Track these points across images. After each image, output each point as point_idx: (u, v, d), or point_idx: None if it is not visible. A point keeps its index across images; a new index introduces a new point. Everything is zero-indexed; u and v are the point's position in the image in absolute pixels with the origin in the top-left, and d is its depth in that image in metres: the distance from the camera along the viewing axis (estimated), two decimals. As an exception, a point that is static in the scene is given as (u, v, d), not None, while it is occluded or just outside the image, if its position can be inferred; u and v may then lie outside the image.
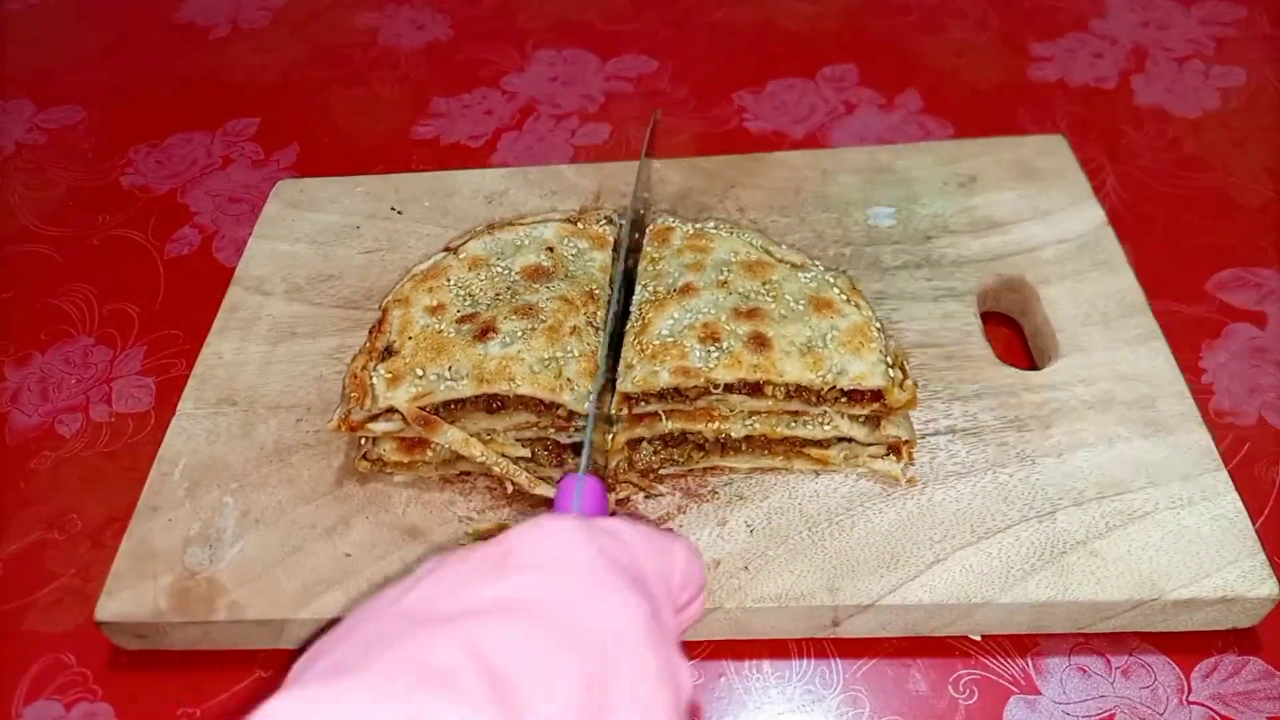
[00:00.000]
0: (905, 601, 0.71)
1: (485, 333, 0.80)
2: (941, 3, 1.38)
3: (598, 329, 0.81)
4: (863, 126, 1.20)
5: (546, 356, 0.77)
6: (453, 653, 0.42)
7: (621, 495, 0.79)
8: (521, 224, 0.92)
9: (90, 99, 1.35)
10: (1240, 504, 0.74)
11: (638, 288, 0.85)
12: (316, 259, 1.00)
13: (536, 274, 0.86)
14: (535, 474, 0.80)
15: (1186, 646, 0.72)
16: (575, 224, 0.92)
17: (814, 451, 0.78)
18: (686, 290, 0.83)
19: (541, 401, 0.76)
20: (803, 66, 1.29)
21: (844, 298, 0.82)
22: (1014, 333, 0.93)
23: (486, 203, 1.04)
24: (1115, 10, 1.33)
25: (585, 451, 0.66)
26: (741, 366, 0.76)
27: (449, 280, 0.86)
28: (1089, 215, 0.95)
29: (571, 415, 0.77)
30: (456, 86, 1.32)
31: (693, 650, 0.75)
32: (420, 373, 0.77)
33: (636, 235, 0.90)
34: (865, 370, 0.76)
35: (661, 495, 0.79)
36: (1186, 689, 0.70)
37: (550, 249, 0.89)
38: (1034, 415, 0.81)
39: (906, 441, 0.77)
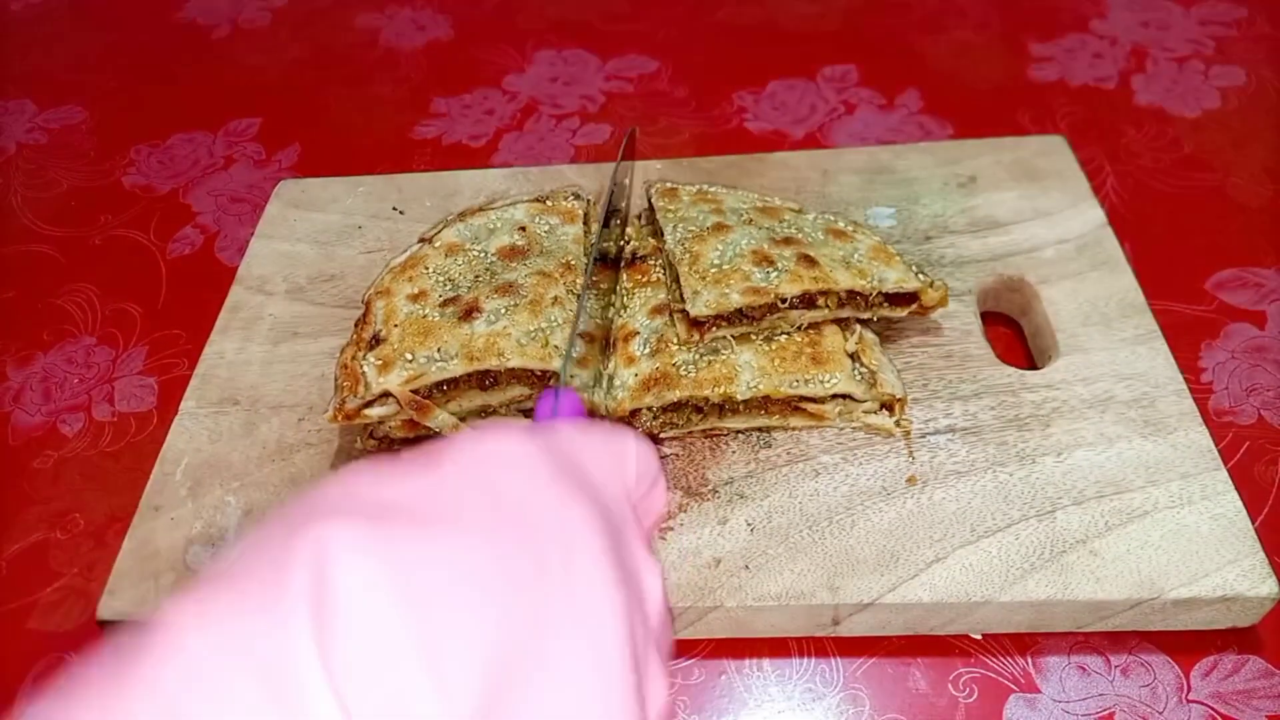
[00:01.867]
0: (905, 600, 0.71)
1: (470, 313, 0.81)
2: (942, 3, 1.38)
3: (579, 296, 0.83)
4: (863, 126, 1.20)
5: (532, 329, 0.79)
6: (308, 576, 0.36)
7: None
8: (492, 208, 0.94)
9: (91, 99, 1.35)
10: (1240, 503, 0.74)
11: (667, 230, 0.89)
12: (319, 259, 1.00)
13: (512, 253, 0.88)
14: None
15: (1186, 645, 0.72)
16: (544, 202, 0.94)
17: (811, 407, 0.81)
18: (719, 228, 0.87)
19: (533, 373, 0.78)
20: (803, 66, 1.29)
21: (851, 229, 0.89)
22: (1014, 332, 0.93)
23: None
24: (1115, 10, 1.34)
25: (563, 368, 0.65)
26: (803, 280, 0.81)
27: (428, 268, 0.87)
28: (1089, 215, 0.96)
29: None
30: (457, 86, 1.32)
31: (693, 649, 0.75)
32: (410, 357, 0.78)
33: (612, 226, 0.91)
34: (901, 276, 0.83)
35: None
36: (1186, 688, 0.70)
37: (523, 228, 0.91)
38: (1034, 414, 0.81)
39: (900, 399, 0.80)
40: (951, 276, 0.92)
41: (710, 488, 0.79)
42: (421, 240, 0.91)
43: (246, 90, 1.35)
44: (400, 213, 1.04)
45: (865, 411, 0.81)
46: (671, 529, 0.76)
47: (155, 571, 0.77)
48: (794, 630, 0.75)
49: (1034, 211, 0.97)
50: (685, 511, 0.77)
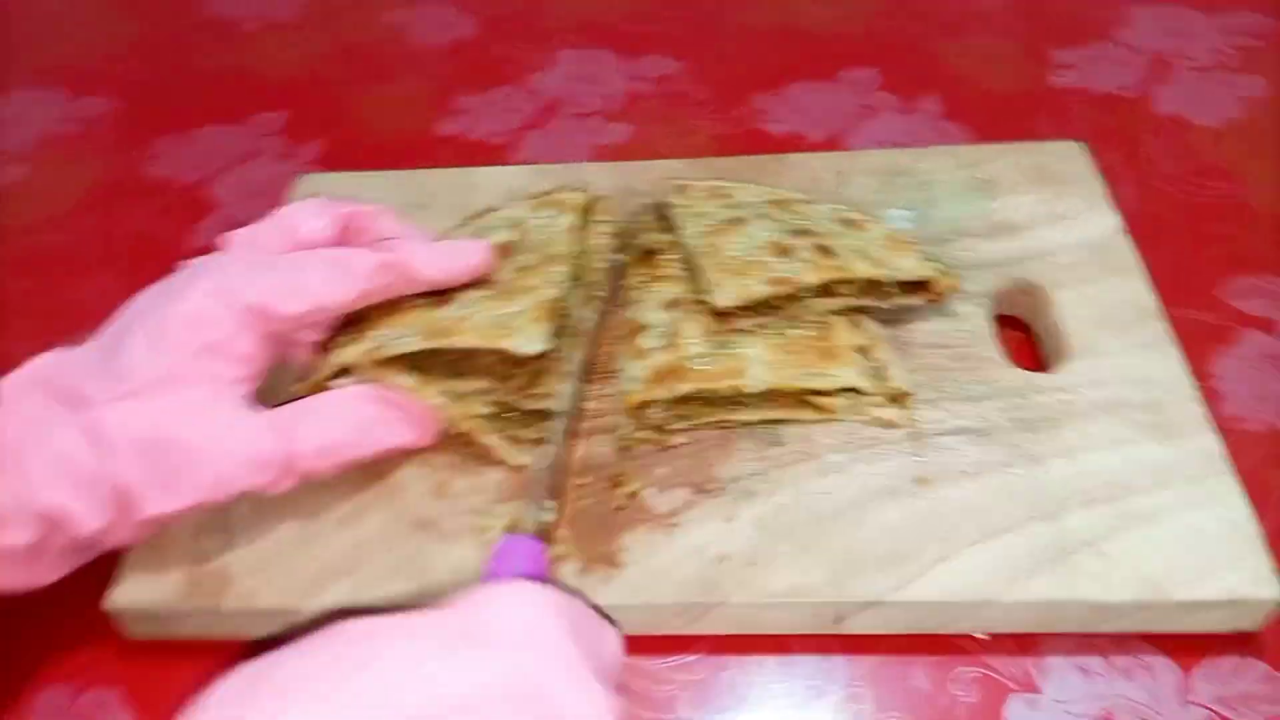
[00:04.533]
0: (911, 599, 0.71)
1: (442, 299, 0.81)
2: (965, 8, 1.38)
3: (556, 284, 0.82)
4: (882, 130, 1.20)
5: (499, 314, 0.79)
6: None
7: (631, 490, 0.79)
8: (495, 211, 0.94)
9: (117, 90, 1.37)
10: (1248, 509, 0.74)
11: (685, 224, 0.90)
12: (337, 251, 1.00)
13: (502, 252, 0.87)
14: (504, 433, 0.81)
15: (1188, 648, 0.72)
16: (546, 195, 0.95)
17: (820, 401, 0.81)
18: (735, 221, 0.88)
19: (500, 365, 0.78)
20: (823, 69, 1.30)
21: (862, 218, 0.91)
22: (1025, 335, 0.93)
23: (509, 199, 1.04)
24: (1138, 19, 1.33)
25: (528, 513, 0.71)
26: (824, 269, 0.82)
27: None
28: (1105, 221, 0.96)
29: (530, 383, 0.78)
30: (481, 84, 1.33)
31: (695, 645, 0.76)
32: (372, 334, 0.79)
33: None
34: (915, 265, 0.84)
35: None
36: (1187, 690, 0.70)
37: (517, 225, 0.91)
38: (1044, 417, 0.81)
39: (908, 393, 0.81)
40: (966, 279, 0.92)
41: (718, 484, 0.79)
42: None
43: (272, 84, 1.37)
44: (421, 208, 1.05)
45: (873, 405, 0.81)
46: (677, 525, 0.76)
47: (164, 560, 0.78)
48: (797, 627, 0.75)
49: (1050, 216, 0.97)
50: (692, 508, 0.78)
